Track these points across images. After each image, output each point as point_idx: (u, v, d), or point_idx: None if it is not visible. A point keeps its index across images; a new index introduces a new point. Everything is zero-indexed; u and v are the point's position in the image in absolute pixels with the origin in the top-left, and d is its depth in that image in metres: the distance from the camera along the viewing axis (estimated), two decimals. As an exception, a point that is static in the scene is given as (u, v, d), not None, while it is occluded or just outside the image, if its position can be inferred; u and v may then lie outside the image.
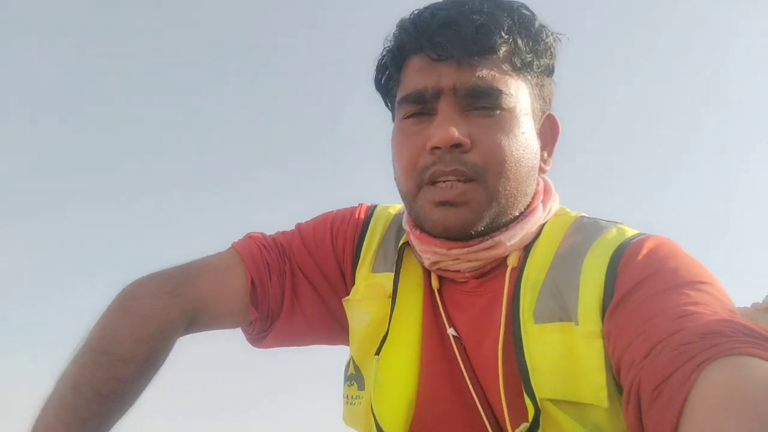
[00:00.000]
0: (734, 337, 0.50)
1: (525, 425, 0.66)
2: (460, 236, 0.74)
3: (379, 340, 0.80)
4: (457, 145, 0.71)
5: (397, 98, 0.79)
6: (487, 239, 0.74)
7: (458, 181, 0.72)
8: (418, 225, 0.78)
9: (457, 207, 0.72)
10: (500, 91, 0.72)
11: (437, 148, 0.72)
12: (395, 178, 0.81)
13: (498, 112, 0.73)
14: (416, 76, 0.75)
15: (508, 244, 0.75)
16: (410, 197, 0.76)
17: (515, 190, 0.74)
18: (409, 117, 0.77)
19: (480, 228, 0.73)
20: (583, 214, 0.82)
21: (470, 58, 0.72)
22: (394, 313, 0.81)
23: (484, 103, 0.73)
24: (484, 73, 0.72)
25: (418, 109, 0.75)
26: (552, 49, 0.79)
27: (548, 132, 0.83)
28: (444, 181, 0.72)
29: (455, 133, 0.71)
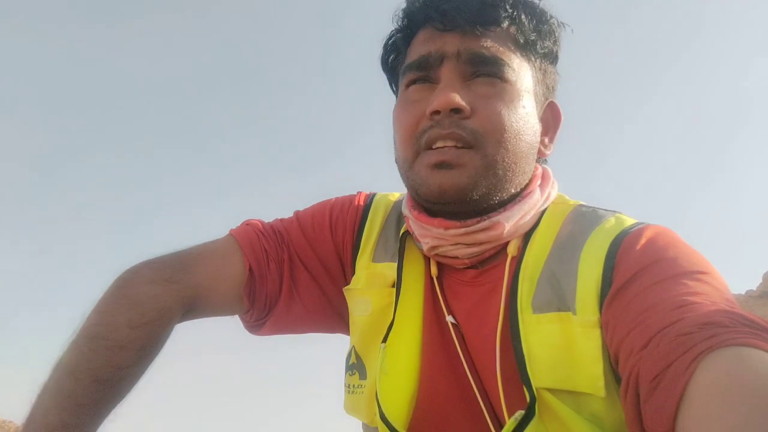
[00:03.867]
0: (733, 327, 0.50)
1: (520, 413, 0.67)
2: (457, 204, 0.74)
3: (382, 329, 0.80)
4: (457, 111, 0.72)
5: (402, 68, 0.79)
6: (485, 219, 0.75)
7: (456, 147, 0.72)
8: (416, 197, 0.78)
9: (452, 169, 0.72)
10: (503, 61, 0.74)
11: (437, 112, 0.72)
12: (395, 156, 0.81)
13: (499, 82, 0.74)
14: (421, 46, 0.77)
15: (506, 225, 0.75)
16: (408, 165, 0.76)
17: (513, 164, 0.74)
18: (411, 85, 0.77)
19: (476, 196, 0.73)
20: (582, 203, 0.82)
21: (474, 28, 0.73)
22: (399, 302, 0.81)
23: (486, 71, 0.74)
24: (488, 43, 0.74)
25: (420, 75, 0.77)
26: (555, 34, 0.80)
27: (550, 119, 0.84)
28: (442, 147, 0.72)
29: (456, 97, 0.71)
